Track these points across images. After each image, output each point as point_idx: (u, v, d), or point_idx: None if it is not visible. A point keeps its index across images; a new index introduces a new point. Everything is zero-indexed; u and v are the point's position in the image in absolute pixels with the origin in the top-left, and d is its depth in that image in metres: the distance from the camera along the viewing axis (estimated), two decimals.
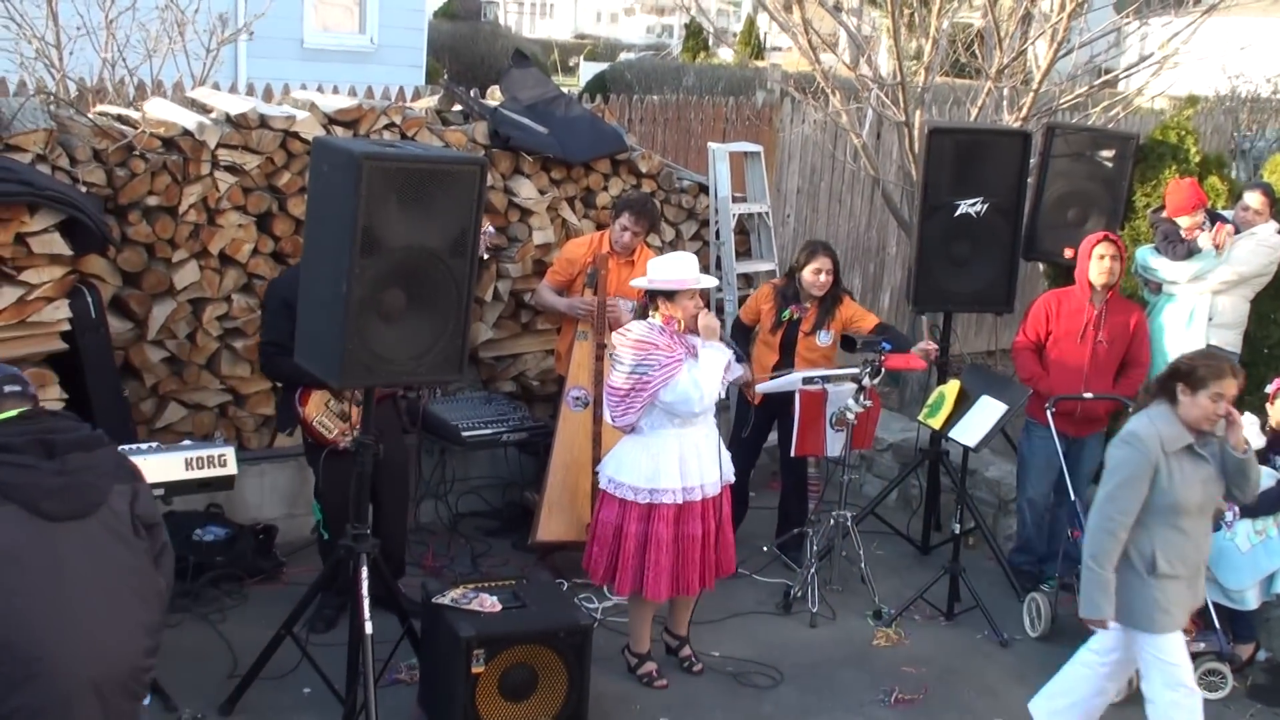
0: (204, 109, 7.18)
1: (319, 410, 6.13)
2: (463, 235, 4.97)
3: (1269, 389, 6.72)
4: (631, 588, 5.85)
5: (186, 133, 6.74)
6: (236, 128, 6.87)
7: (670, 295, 5.74)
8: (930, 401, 6.97)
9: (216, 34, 8.92)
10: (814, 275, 7.14)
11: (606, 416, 5.96)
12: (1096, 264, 6.90)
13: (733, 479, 6.05)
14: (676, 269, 5.79)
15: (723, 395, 5.98)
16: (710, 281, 5.95)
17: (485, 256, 7.24)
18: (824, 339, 7.21)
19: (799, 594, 6.93)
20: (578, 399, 7.00)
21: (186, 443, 5.85)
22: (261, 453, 7.18)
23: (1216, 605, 6.35)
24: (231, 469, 5.61)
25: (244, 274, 7.00)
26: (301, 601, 5.56)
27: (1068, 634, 6.64)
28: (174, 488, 5.50)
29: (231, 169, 6.87)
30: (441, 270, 4.97)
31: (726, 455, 6.02)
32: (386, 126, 7.38)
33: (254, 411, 7.15)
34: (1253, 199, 7.29)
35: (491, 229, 7.22)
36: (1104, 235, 7.00)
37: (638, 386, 5.65)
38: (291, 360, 5.34)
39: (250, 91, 8.86)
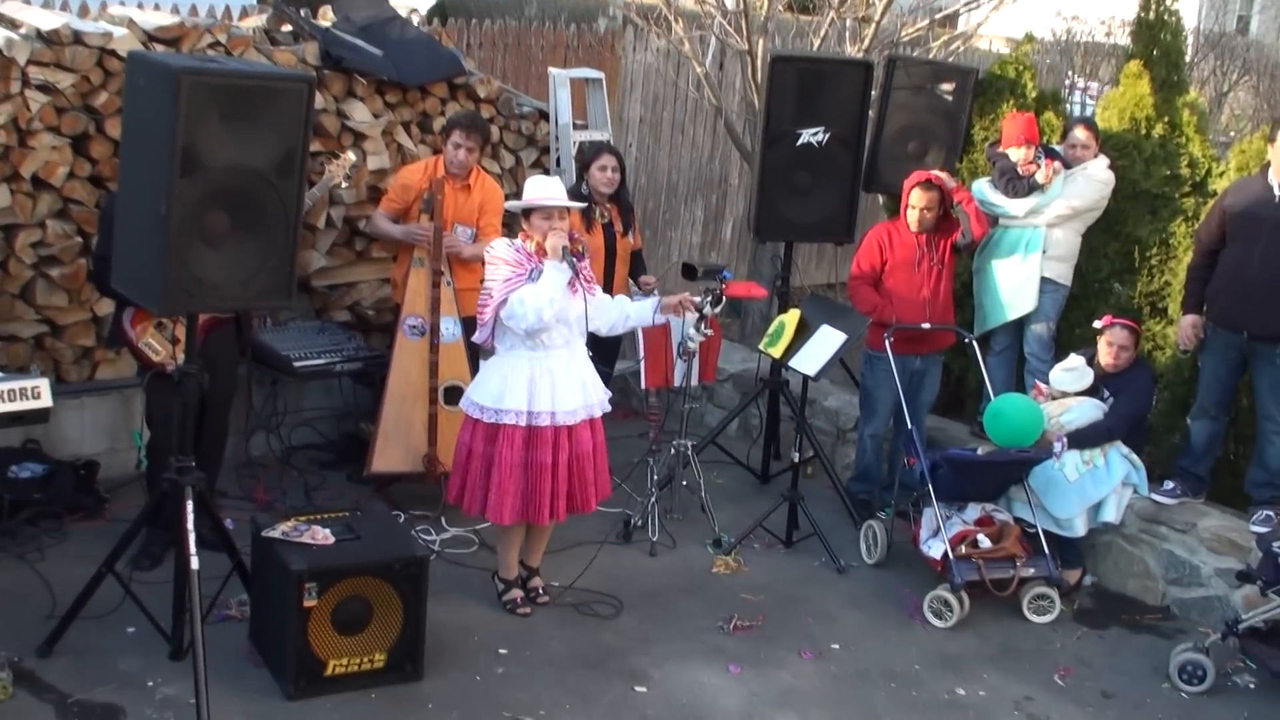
0: (12, 24, 6.76)
1: (147, 332, 5.89)
2: (290, 155, 4.82)
3: (1098, 324, 6.85)
4: (478, 509, 5.82)
5: None
6: (48, 44, 6.51)
7: (529, 214, 5.74)
8: (770, 331, 6.97)
9: None
10: (600, 172, 7.25)
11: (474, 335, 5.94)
12: (911, 213, 7.01)
13: (598, 413, 5.93)
14: (533, 188, 5.79)
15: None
16: (562, 202, 5.82)
17: (345, 184, 7.02)
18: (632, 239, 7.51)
19: (639, 523, 6.91)
20: (414, 327, 6.84)
21: None
22: (81, 385, 6.89)
23: (1046, 533, 6.50)
24: (46, 401, 5.33)
25: (59, 199, 6.65)
26: (123, 538, 5.34)
27: (903, 560, 6.77)
28: None
29: (44, 88, 6.50)
30: (268, 192, 4.82)
31: (598, 388, 5.93)
32: (211, 45, 7.06)
33: (72, 343, 6.83)
34: (1079, 134, 7.39)
35: (354, 156, 6.99)
36: (924, 179, 7.06)
37: (486, 301, 5.68)
38: None
39: (64, 7, 8.42)
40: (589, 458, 5.90)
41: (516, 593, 6.07)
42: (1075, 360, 6.80)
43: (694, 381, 7.13)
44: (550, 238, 5.66)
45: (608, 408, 6.01)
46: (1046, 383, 6.92)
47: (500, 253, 5.71)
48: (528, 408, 5.69)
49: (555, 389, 5.74)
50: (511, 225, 7.36)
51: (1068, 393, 6.76)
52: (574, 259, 5.70)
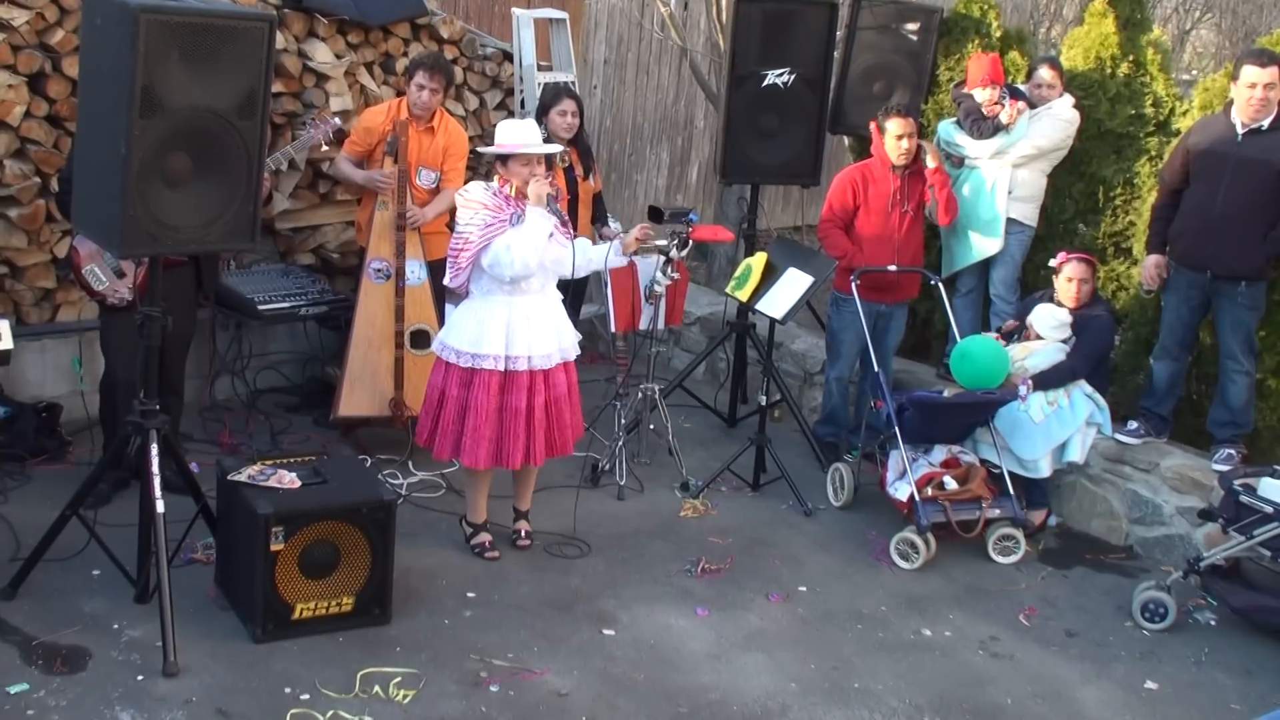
0: None
1: (93, 259, 5.82)
2: (252, 96, 4.78)
3: (1053, 263, 6.87)
4: (450, 453, 5.81)
5: None
6: None
7: (505, 160, 5.69)
8: (737, 274, 6.95)
9: None
10: (560, 117, 7.20)
11: (445, 278, 5.89)
12: (894, 145, 6.94)
13: (573, 355, 5.95)
14: (510, 134, 5.72)
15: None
16: (544, 148, 5.82)
17: (326, 147, 6.91)
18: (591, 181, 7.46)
19: (606, 467, 6.91)
20: (379, 271, 6.79)
21: None
22: (42, 328, 6.81)
23: (1011, 474, 6.54)
24: (7, 343, 5.30)
25: (16, 138, 6.53)
26: (87, 481, 5.31)
27: (869, 503, 6.80)
28: None
29: None
30: (230, 133, 4.78)
31: (570, 331, 5.93)
32: None
33: (32, 284, 6.74)
34: (1044, 74, 7.38)
35: (337, 120, 6.87)
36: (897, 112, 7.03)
37: (463, 247, 5.61)
38: None
39: None
40: (565, 400, 5.91)
41: (484, 536, 6.07)
42: (1065, 315, 6.78)
43: (661, 325, 7.12)
44: (532, 185, 5.63)
45: (578, 350, 6.02)
46: (1020, 321, 6.92)
47: (477, 196, 5.65)
48: (505, 351, 5.68)
49: (531, 333, 5.73)
50: (475, 168, 7.31)
51: (1041, 335, 6.77)
52: (557, 206, 5.69)
